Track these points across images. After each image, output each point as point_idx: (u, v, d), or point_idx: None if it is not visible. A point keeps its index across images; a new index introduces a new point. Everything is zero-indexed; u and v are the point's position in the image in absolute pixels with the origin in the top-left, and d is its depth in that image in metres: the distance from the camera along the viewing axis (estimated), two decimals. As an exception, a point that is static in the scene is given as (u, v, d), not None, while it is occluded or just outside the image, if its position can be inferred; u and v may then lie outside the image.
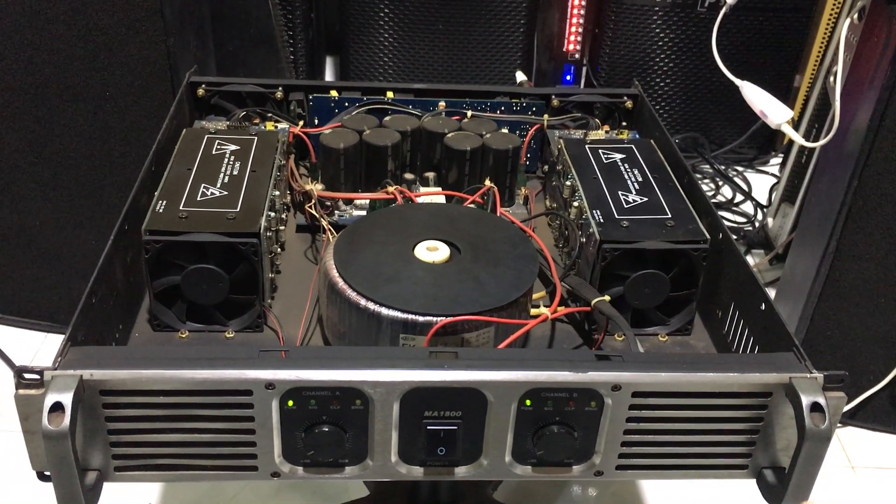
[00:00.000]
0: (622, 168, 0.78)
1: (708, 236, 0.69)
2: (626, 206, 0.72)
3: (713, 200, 1.72)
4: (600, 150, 0.81)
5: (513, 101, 0.91)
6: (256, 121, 0.88)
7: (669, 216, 0.71)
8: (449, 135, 0.84)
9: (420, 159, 0.86)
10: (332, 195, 0.80)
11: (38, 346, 1.27)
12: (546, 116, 0.91)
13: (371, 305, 0.62)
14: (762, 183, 1.78)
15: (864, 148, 1.01)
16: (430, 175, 0.85)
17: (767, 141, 1.87)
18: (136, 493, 1.06)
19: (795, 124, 1.46)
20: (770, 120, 0.95)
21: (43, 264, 1.23)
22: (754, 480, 0.59)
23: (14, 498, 1.05)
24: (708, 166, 1.79)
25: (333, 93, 0.90)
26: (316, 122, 0.89)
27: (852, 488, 1.14)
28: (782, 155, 1.77)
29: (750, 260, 1.41)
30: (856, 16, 1.08)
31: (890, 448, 1.20)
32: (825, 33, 1.70)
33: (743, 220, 1.69)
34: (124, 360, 0.53)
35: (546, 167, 0.89)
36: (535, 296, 0.69)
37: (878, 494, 1.14)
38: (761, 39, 1.73)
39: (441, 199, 0.82)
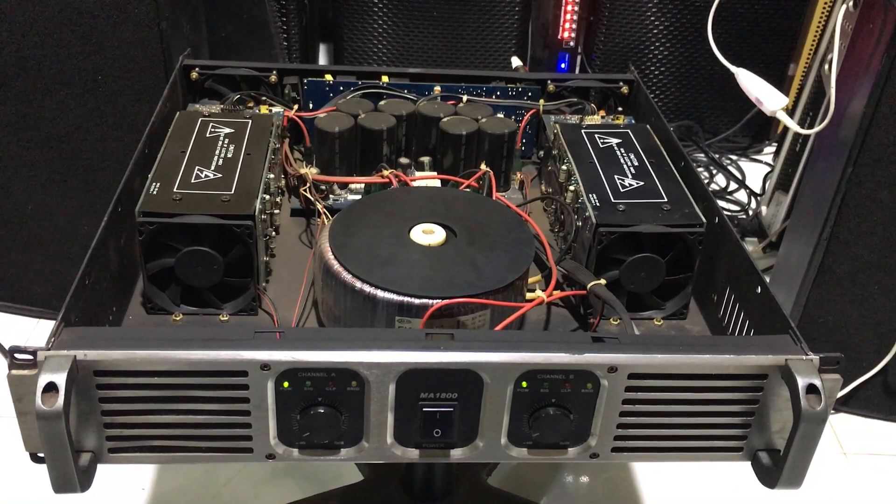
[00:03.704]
0: (618, 153, 0.78)
1: (704, 220, 0.69)
2: (622, 191, 0.72)
3: (707, 189, 1.72)
4: (596, 135, 0.81)
5: (508, 86, 0.91)
6: (251, 104, 0.87)
7: (666, 200, 0.71)
8: (444, 119, 0.83)
9: (415, 144, 0.86)
10: (326, 179, 0.80)
11: (30, 332, 1.27)
12: (542, 101, 0.90)
13: (367, 288, 0.61)
14: (756, 171, 1.78)
15: (858, 135, 1.02)
16: (426, 159, 0.84)
17: (761, 130, 1.87)
18: (130, 477, 1.05)
19: (790, 112, 1.46)
20: (765, 107, 0.95)
21: (35, 250, 1.23)
22: (749, 463, 0.59)
23: (9, 484, 1.05)
24: (702, 155, 1.79)
25: (328, 77, 0.89)
26: (310, 106, 0.89)
27: (845, 475, 1.15)
28: (776, 144, 1.78)
29: (744, 247, 1.40)
30: (851, 3, 1.08)
31: (882, 434, 1.21)
32: (820, 21, 1.70)
33: (737, 208, 1.69)
34: (118, 340, 0.52)
35: (542, 152, 0.89)
36: (530, 280, 0.69)
37: (870, 481, 1.14)
38: (756, 27, 1.73)
39: (436, 184, 0.81)
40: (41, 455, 0.51)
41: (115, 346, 0.51)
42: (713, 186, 1.75)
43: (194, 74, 0.88)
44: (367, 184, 0.80)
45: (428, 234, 0.67)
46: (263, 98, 0.87)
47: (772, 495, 0.64)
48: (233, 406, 0.53)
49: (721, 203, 1.70)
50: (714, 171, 1.78)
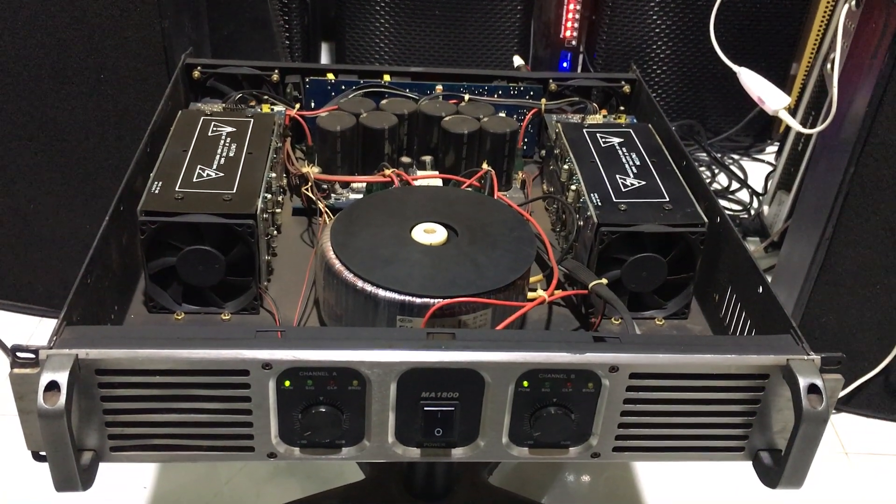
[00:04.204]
0: (620, 152, 0.78)
1: (706, 220, 0.69)
2: (623, 190, 0.72)
3: (709, 188, 1.72)
4: (598, 135, 0.81)
5: (510, 85, 0.91)
6: (252, 103, 0.87)
7: (667, 200, 0.71)
8: (446, 118, 0.83)
9: (417, 143, 0.86)
10: (328, 178, 0.80)
11: (33, 331, 1.27)
12: (544, 101, 0.90)
13: (368, 287, 0.61)
14: (758, 171, 1.78)
15: (861, 134, 1.01)
16: (427, 159, 0.84)
17: (764, 129, 1.87)
18: (132, 476, 1.06)
19: (792, 111, 1.46)
20: (767, 106, 0.95)
21: (37, 248, 1.23)
22: (750, 463, 0.59)
23: (10, 482, 1.05)
24: (704, 154, 1.79)
25: (330, 76, 0.89)
26: (312, 105, 0.89)
27: (846, 474, 1.15)
28: (778, 143, 1.78)
29: (746, 247, 1.39)
30: (853, 2, 1.08)
31: (884, 434, 1.21)
32: (822, 20, 1.69)
33: (738, 207, 1.69)
34: (120, 339, 0.52)
35: (543, 151, 0.88)
36: (532, 279, 0.69)
37: (871, 480, 1.14)
38: (758, 26, 1.72)
39: (438, 183, 0.81)
40: (43, 454, 0.52)
41: (116, 344, 0.51)
42: (715, 186, 1.75)
43: (196, 73, 0.88)
44: (368, 183, 0.80)
45: (429, 234, 0.67)
46: (265, 97, 0.87)
47: (773, 495, 0.64)
48: (234, 405, 0.53)
49: (723, 202, 1.70)
50: (716, 171, 1.78)
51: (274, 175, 0.74)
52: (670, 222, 0.68)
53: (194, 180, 0.69)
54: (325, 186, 0.80)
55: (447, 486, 0.90)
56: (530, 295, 0.67)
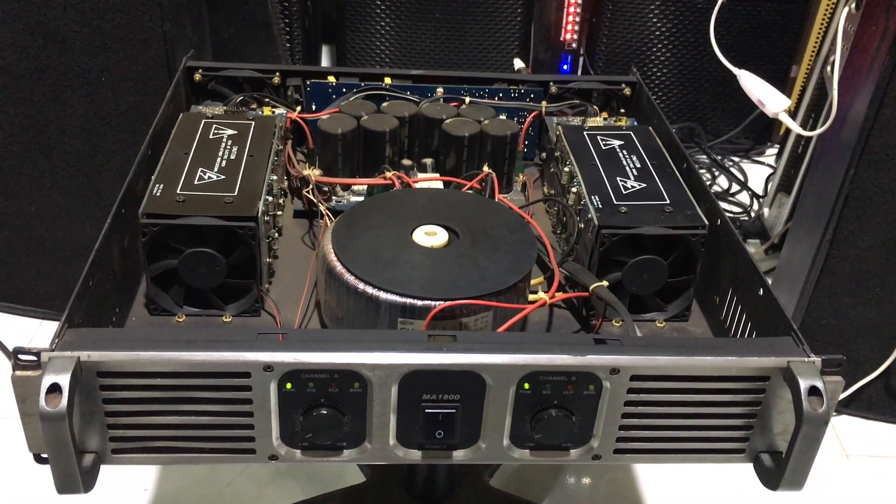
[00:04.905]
0: (620, 154, 0.78)
1: (706, 222, 0.69)
2: (624, 193, 0.72)
3: (709, 190, 1.72)
4: (598, 137, 0.81)
5: (511, 87, 0.91)
6: (254, 106, 0.87)
7: (668, 202, 0.71)
8: (447, 121, 0.84)
9: (418, 145, 0.86)
10: (329, 181, 0.80)
11: (33, 333, 1.27)
12: (544, 103, 0.90)
13: (369, 289, 0.62)
14: (758, 173, 1.78)
15: (861, 137, 1.02)
16: (428, 161, 0.85)
17: (764, 131, 1.87)
18: (133, 478, 1.06)
19: (792, 114, 1.46)
20: (767, 109, 0.95)
21: (38, 251, 1.23)
22: (751, 465, 0.59)
23: (12, 485, 1.05)
24: (704, 156, 1.79)
25: (331, 78, 0.89)
26: (313, 107, 0.89)
27: (847, 476, 1.15)
28: (778, 145, 1.78)
29: (746, 249, 1.39)
30: (853, 5, 1.08)
31: (884, 436, 1.21)
32: (822, 23, 1.70)
33: (739, 210, 1.69)
34: (122, 341, 0.52)
35: (544, 154, 0.89)
36: (533, 281, 0.69)
37: (872, 483, 1.14)
38: (758, 29, 1.73)
39: (439, 185, 0.81)
40: (45, 456, 0.52)
41: (118, 347, 0.51)
42: (715, 188, 1.75)
43: (197, 76, 0.88)
44: (369, 185, 0.80)
45: (430, 236, 0.67)
46: (266, 100, 0.88)
47: (774, 497, 0.64)
48: (236, 407, 0.53)
49: (723, 205, 1.70)
50: (716, 173, 1.78)
51: (275, 177, 0.74)
52: (671, 224, 0.68)
53: (196, 183, 0.69)
54: (326, 189, 0.80)
55: (448, 489, 0.90)
56: (531, 297, 0.67)
